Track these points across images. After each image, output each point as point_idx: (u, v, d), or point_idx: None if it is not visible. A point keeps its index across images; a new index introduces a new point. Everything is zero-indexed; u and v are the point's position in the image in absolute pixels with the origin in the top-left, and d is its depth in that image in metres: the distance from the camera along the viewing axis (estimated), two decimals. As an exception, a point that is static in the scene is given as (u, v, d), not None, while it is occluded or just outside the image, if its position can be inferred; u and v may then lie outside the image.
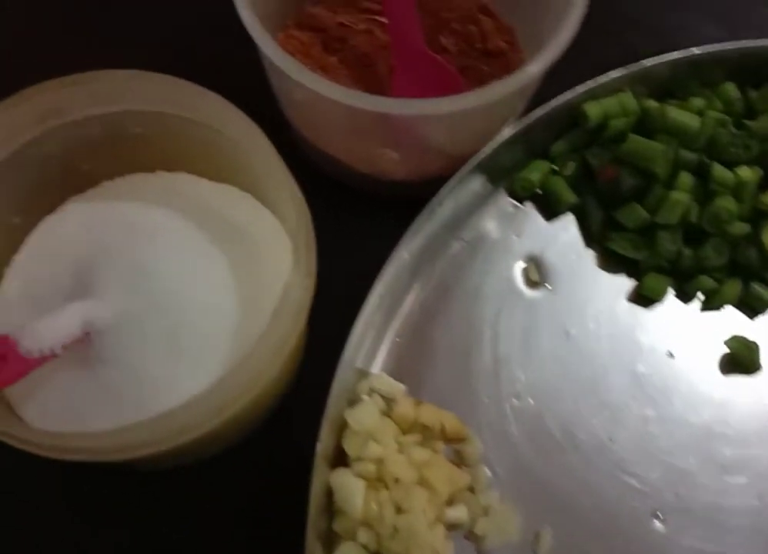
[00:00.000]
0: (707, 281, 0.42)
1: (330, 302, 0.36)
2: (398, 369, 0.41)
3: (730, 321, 0.43)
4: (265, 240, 0.36)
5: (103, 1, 0.51)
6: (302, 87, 0.36)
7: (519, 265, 0.44)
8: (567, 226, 0.45)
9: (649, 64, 0.45)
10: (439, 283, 0.43)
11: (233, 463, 0.39)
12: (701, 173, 0.43)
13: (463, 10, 0.48)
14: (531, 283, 0.43)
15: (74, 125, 0.36)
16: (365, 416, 0.36)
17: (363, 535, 0.34)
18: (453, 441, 0.38)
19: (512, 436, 0.40)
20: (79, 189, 0.39)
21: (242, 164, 0.37)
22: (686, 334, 0.43)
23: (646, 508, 0.39)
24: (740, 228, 0.42)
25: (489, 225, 0.45)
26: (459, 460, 0.38)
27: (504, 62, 0.46)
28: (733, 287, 0.43)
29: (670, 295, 0.43)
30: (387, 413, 0.37)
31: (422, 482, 0.35)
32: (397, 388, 0.38)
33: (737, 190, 0.42)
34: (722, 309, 0.43)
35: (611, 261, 0.44)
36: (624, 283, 0.44)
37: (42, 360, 0.31)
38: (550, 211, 0.45)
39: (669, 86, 0.46)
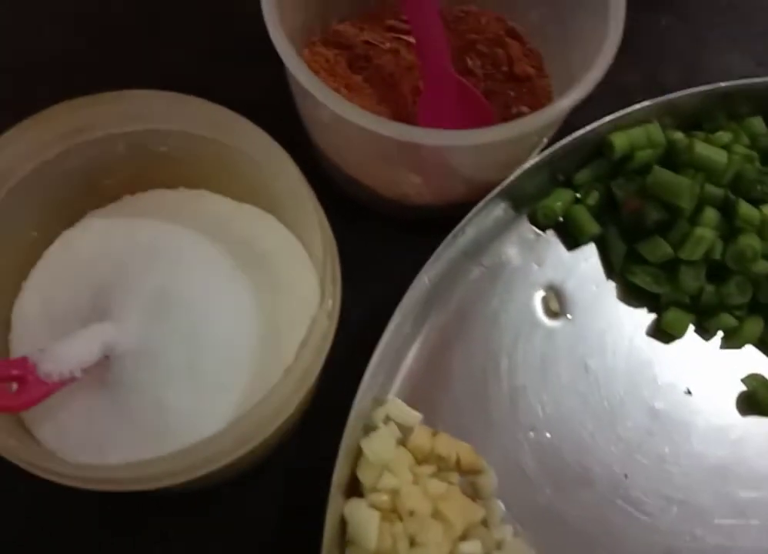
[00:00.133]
0: (728, 319, 0.42)
1: (348, 326, 0.35)
2: (413, 396, 0.40)
3: (749, 358, 0.43)
4: (289, 266, 0.36)
5: (129, 20, 0.51)
6: (328, 109, 0.35)
7: (539, 294, 0.44)
8: (588, 256, 0.45)
9: (676, 96, 0.44)
10: (458, 309, 0.43)
11: (246, 489, 0.38)
12: (726, 209, 0.42)
13: (490, 32, 0.47)
14: (550, 313, 0.43)
15: (97, 142, 0.36)
16: (380, 447, 0.36)
17: (377, 568, 0.34)
18: (468, 473, 0.38)
19: (528, 469, 0.39)
20: (99, 203, 0.39)
21: (265, 186, 0.37)
22: (704, 370, 0.42)
23: (661, 548, 0.39)
24: (764, 266, 0.41)
25: (510, 251, 0.44)
26: (474, 492, 0.38)
27: (530, 87, 0.46)
28: (754, 326, 0.42)
29: (689, 331, 0.43)
30: (403, 442, 0.37)
31: (437, 515, 0.35)
32: (413, 416, 0.38)
33: (762, 228, 0.42)
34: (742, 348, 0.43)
35: (631, 294, 0.43)
36: (644, 317, 0.43)
37: (62, 383, 0.31)
38: (572, 241, 0.45)
39: (696, 118, 0.46)
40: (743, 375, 0.42)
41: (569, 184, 0.45)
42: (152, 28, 0.51)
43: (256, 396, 0.30)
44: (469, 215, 0.41)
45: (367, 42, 0.47)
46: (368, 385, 0.37)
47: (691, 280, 0.42)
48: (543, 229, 0.45)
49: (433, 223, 0.41)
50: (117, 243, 0.37)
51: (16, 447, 0.29)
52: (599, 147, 0.45)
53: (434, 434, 0.38)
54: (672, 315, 0.42)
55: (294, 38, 0.38)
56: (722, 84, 0.44)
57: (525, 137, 0.37)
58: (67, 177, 0.36)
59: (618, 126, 0.44)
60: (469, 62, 0.47)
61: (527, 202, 0.45)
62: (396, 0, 0.44)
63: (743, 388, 0.42)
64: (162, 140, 0.36)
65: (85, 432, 0.33)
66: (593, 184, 0.45)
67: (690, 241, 0.41)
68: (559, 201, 0.44)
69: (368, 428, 0.37)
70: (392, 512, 0.35)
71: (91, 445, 0.32)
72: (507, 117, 0.44)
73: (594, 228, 0.44)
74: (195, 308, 0.33)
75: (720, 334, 0.43)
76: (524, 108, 0.45)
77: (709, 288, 0.42)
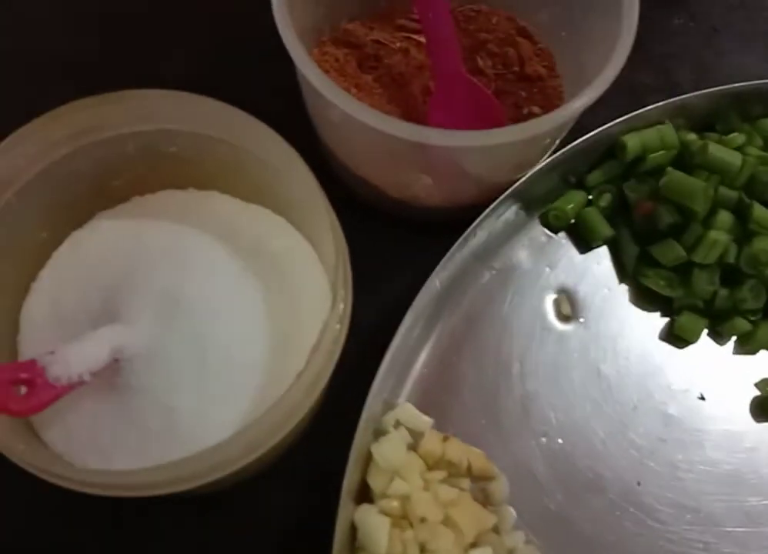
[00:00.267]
0: (742, 323, 0.42)
1: (358, 329, 0.35)
2: (424, 400, 0.40)
3: (763, 363, 0.42)
4: (299, 268, 0.36)
5: (139, 19, 0.51)
6: (338, 109, 0.35)
7: (551, 298, 0.43)
8: (600, 259, 0.44)
9: (689, 97, 0.44)
10: (469, 313, 0.42)
11: (255, 493, 0.38)
12: (740, 212, 0.42)
13: (501, 32, 0.47)
14: (562, 317, 0.43)
15: (106, 143, 0.35)
16: (391, 452, 0.35)
17: (387, 575, 0.33)
18: (480, 479, 0.38)
19: (539, 475, 0.39)
20: (108, 204, 0.39)
21: (276, 187, 0.36)
22: (717, 375, 0.42)
23: (674, 556, 0.38)
24: (779, 270, 0.41)
25: (522, 254, 0.44)
26: (485, 499, 0.38)
27: (541, 87, 0.45)
28: (768, 330, 0.42)
29: (702, 335, 0.43)
30: (413, 447, 0.37)
31: (448, 522, 0.35)
32: (424, 421, 0.37)
33: (777, 232, 0.41)
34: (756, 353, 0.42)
35: (644, 298, 0.43)
36: (657, 321, 0.43)
37: (70, 387, 0.31)
38: (584, 244, 0.44)
39: (709, 120, 0.45)
40: (756, 379, 0.42)
41: (581, 186, 0.45)
42: (162, 27, 0.50)
43: (266, 401, 0.29)
44: (480, 217, 0.40)
45: (377, 42, 0.46)
46: (379, 388, 0.36)
47: (704, 284, 0.41)
48: (555, 232, 0.45)
49: (444, 225, 0.41)
50: (126, 244, 0.36)
51: (25, 451, 0.28)
52: (611, 148, 0.44)
53: (445, 439, 0.37)
54: (686, 319, 0.42)
55: (304, 37, 0.38)
56: (736, 84, 0.44)
57: (537, 138, 0.37)
58: (75, 178, 0.36)
59: (630, 127, 0.43)
60: (480, 62, 0.46)
61: (538, 204, 0.44)
62: (407, -1, 0.44)
63: (757, 393, 0.42)
64: (172, 140, 0.36)
65: (93, 436, 0.32)
66: (605, 186, 0.44)
67: (704, 244, 0.41)
68: (570, 203, 0.44)
69: (379, 433, 0.37)
70: (403, 519, 0.35)
71: (99, 448, 0.32)
72: (518, 117, 0.44)
73: (606, 230, 0.44)
74: (204, 310, 0.33)
75: (734, 338, 0.43)
76: (535, 109, 0.44)
77: (723, 292, 0.41)
